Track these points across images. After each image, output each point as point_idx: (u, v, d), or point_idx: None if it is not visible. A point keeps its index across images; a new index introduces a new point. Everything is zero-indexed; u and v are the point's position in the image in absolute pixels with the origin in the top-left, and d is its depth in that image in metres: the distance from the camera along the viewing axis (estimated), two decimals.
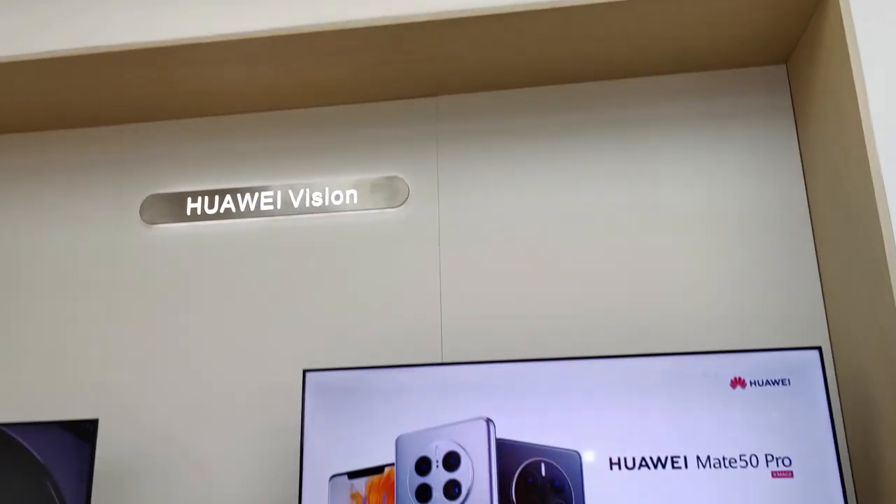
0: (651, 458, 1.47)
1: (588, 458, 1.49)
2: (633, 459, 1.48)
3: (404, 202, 1.94)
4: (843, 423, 1.61)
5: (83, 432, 1.67)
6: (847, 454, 1.59)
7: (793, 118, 1.84)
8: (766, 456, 1.44)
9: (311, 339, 1.87)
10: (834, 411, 1.44)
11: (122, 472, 1.84)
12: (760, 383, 1.48)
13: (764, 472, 1.43)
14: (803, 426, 1.44)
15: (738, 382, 1.49)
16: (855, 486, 1.57)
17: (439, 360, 1.80)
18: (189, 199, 2.01)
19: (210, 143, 2.05)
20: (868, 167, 1.44)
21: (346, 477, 1.57)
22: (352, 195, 1.96)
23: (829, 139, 1.64)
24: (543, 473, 1.51)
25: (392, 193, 1.95)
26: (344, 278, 1.91)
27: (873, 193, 1.42)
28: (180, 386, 1.89)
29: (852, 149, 1.52)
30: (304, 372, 1.64)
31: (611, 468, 1.48)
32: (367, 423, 1.59)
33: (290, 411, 1.80)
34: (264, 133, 2.04)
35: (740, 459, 1.44)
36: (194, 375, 1.89)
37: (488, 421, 1.54)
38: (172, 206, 2.02)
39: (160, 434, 1.86)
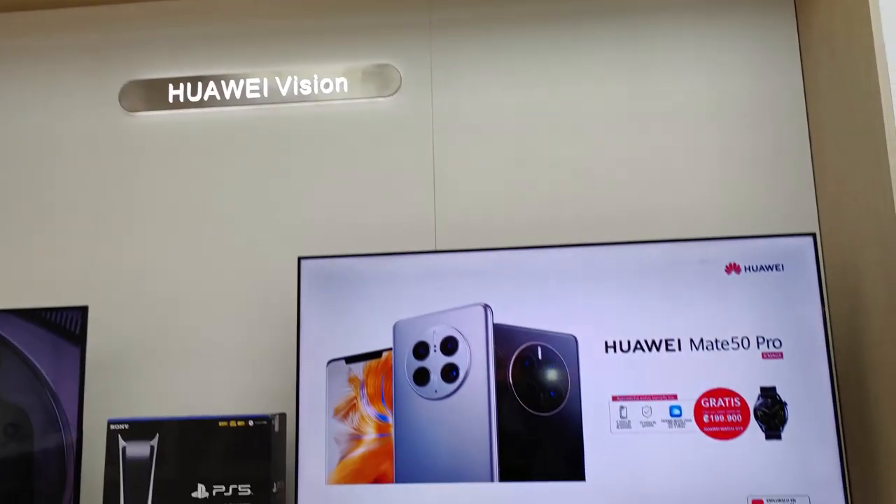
0: (646, 341, 1.51)
1: (584, 341, 1.52)
2: (629, 342, 1.51)
3: (396, 91, 1.89)
4: (829, 308, 1.65)
5: (73, 320, 1.65)
6: (831, 337, 1.65)
7: (793, 5, 1.81)
8: (757, 338, 1.48)
9: (303, 229, 1.86)
10: (823, 296, 1.47)
11: (115, 362, 1.84)
12: (755, 269, 1.50)
13: (755, 353, 1.47)
14: (794, 310, 1.48)
15: (732, 268, 1.51)
16: (837, 369, 1.62)
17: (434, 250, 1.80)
18: (171, 86, 1.94)
19: (192, 27, 1.96)
20: (873, 55, 1.43)
21: (343, 362, 1.59)
22: (342, 83, 1.90)
23: (830, 27, 1.62)
24: (540, 357, 1.53)
25: (384, 82, 1.90)
26: (335, 169, 1.87)
27: (877, 80, 1.42)
28: (172, 277, 1.87)
29: (856, 36, 1.50)
30: (299, 259, 1.63)
31: (606, 351, 1.52)
32: (363, 310, 1.60)
33: (285, 300, 1.79)
34: (250, 16, 1.95)
35: (732, 342, 1.48)
36: (185, 266, 1.87)
37: (486, 307, 1.56)
38: (153, 93, 1.95)
39: (152, 325, 1.85)
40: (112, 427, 1.57)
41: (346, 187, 1.87)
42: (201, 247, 1.88)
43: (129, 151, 1.93)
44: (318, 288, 1.62)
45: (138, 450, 1.56)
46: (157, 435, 1.57)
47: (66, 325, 1.64)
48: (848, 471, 1.55)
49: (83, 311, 1.65)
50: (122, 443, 1.57)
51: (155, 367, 1.83)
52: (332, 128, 1.89)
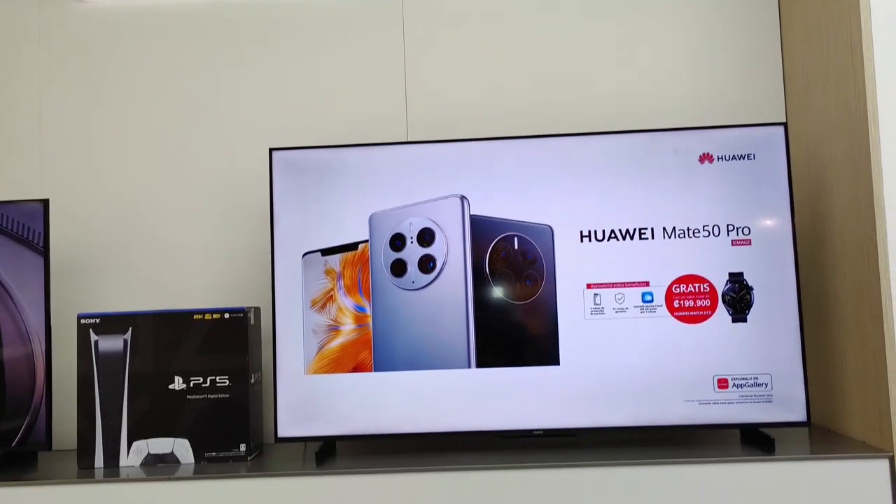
0: (620, 231, 1.53)
1: (560, 231, 1.54)
2: (603, 232, 1.54)
3: None
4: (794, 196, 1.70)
5: (33, 213, 1.58)
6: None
7: None
8: (727, 226, 1.52)
9: (273, 122, 1.81)
10: (791, 185, 1.51)
11: (81, 262, 1.79)
12: (727, 158, 1.53)
13: (724, 240, 1.52)
14: (763, 199, 1.52)
15: (706, 158, 1.53)
16: (799, 256, 1.69)
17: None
18: None
19: None
20: None
21: (319, 254, 1.58)
22: None
23: None
24: (516, 247, 1.55)
25: None
26: (304, 58, 1.81)
27: None
28: (138, 172, 1.81)
29: None
30: (271, 150, 1.59)
31: (581, 241, 1.54)
32: (338, 202, 1.58)
33: (257, 194, 1.75)
34: None
35: (703, 230, 1.52)
36: (151, 161, 1.81)
37: (462, 198, 1.55)
38: None
39: (119, 222, 1.80)
40: (83, 321, 1.54)
41: (316, 78, 1.81)
42: (168, 140, 1.82)
43: (85, 41, 1.82)
44: (291, 180, 1.58)
45: (111, 344, 1.54)
46: (130, 329, 1.54)
47: (27, 236, 1.58)
48: (807, 351, 1.63)
49: (44, 203, 1.59)
50: (93, 337, 1.54)
51: (124, 265, 1.79)
52: (301, 16, 1.81)
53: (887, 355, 1.37)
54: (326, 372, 1.54)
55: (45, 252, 1.58)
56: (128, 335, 1.54)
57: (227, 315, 1.55)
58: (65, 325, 1.68)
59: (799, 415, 1.47)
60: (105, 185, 1.81)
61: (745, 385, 1.49)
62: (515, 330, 1.54)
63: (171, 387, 1.54)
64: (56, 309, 1.63)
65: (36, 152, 1.82)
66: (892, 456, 1.36)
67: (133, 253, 1.79)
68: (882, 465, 1.36)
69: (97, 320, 1.54)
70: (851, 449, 1.42)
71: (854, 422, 1.51)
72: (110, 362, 1.54)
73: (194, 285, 1.78)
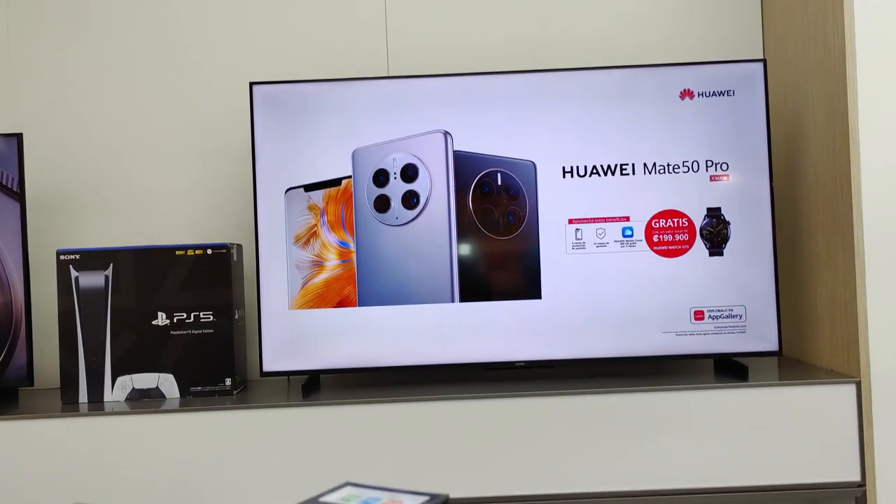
0: (601, 166, 1.56)
1: (542, 167, 1.55)
2: (585, 168, 1.56)
3: None
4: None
5: (5, 151, 1.55)
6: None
7: None
8: (706, 162, 1.55)
9: (253, 56, 1.78)
10: (769, 121, 1.54)
11: (58, 200, 1.76)
12: (707, 94, 1.55)
13: (703, 176, 1.55)
14: (742, 135, 1.55)
15: (686, 94, 1.55)
16: (775, 191, 1.73)
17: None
18: None
19: None
20: None
21: (302, 190, 1.57)
22: None
23: None
24: (499, 182, 1.56)
25: None
26: None
27: None
28: (115, 108, 1.77)
29: None
30: (251, 85, 1.57)
31: (563, 176, 1.56)
32: (320, 138, 1.57)
33: (238, 129, 1.73)
34: None
35: (683, 165, 1.55)
36: (128, 97, 1.78)
37: (445, 133, 1.55)
38: None
39: (96, 158, 1.77)
40: (62, 257, 1.53)
41: (296, 12, 1.78)
42: (147, 75, 1.78)
43: None
44: (272, 116, 1.57)
45: (92, 280, 1.53)
46: (112, 265, 1.53)
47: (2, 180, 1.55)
48: (780, 283, 1.69)
49: (18, 138, 1.56)
50: (73, 273, 1.53)
51: (102, 203, 1.77)
52: None
53: (857, 285, 1.42)
54: (311, 307, 1.56)
55: (20, 185, 1.55)
56: (109, 271, 1.53)
57: (209, 251, 1.55)
58: (43, 263, 1.66)
59: (771, 345, 1.53)
60: (81, 121, 1.77)
61: (720, 317, 1.54)
62: (498, 265, 1.56)
63: (154, 323, 1.54)
64: (34, 246, 1.61)
65: (7, 85, 1.77)
66: (859, 381, 1.42)
67: (112, 190, 1.77)
68: (849, 390, 1.42)
69: (77, 256, 1.53)
70: (820, 376, 1.49)
71: (823, 352, 1.57)
72: (92, 299, 1.53)
73: (175, 224, 1.77)
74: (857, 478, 1.41)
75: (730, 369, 1.56)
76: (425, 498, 0.44)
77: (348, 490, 0.47)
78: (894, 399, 1.41)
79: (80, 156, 1.77)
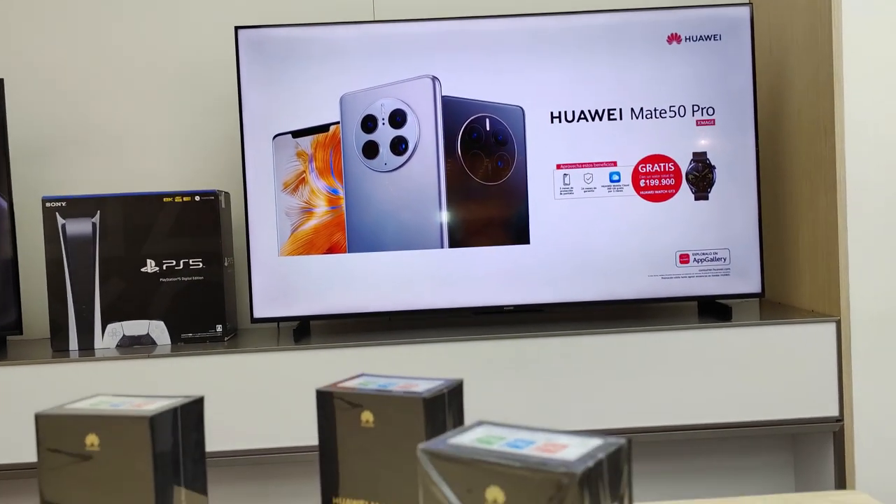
0: (589, 111, 1.56)
1: (530, 112, 1.56)
2: (573, 113, 1.56)
3: None
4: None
5: None
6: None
7: None
8: (692, 106, 1.56)
9: (237, 1, 1.75)
10: (754, 66, 1.55)
11: (41, 148, 1.73)
12: (694, 39, 1.55)
13: (690, 121, 1.56)
14: (728, 79, 1.55)
15: (674, 38, 1.55)
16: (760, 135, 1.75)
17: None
18: None
19: None
20: None
21: (290, 136, 1.56)
22: None
23: None
24: (488, 128, 1.56)
25: None
26: None
27: None
28: (97, 53, 1.74)
29: None
30: (236, 28, 1.55)
31: (552, 121, 1.56)
32: (307, 83, 1.55)
33: (224, 75, 1.71)
34: None
35: (670, 110, 1.56)
36: (110, 43, 1.74)
37: (434, 78, 1.55)
38: None
39: (79, 105, 1.74)
40: (48, 204, 1.51)
41: None
42: (130, 21, 1.74)
43: None
44: (259, 60, 1.55)
45: (79, 227, 1.52)
46: (99, 212, 1.52)
47: None
48: (763, 226, 1.72)
49: None
50: (60, 220, 1.51)
51: (88, 150, 1.74)
52: None
53: (839, 227, 1.45)
54: (300, 254, 1.56)
55: (2, 132, 1.53)
56: (96, 218, 1.52)
57: (197, 198, 1.54)
58: (29, 211, 1.64)
59: (754, 287, 1.56)
60: (63, 67, 1.74)
61: (704, 260, 1.56)
62: (487, 210, 1.57)
63: (143, 270, 1.53)
64: (19, 194, 1.59)
65: None
66: (839, 320, 1.45)
67: (97, 138, 1.75)
68: (829, 328, 1.46)
69: (63, 204, 1.52)
70: (801, 317, 1.52)
71: (804, 294, 1.60)
72: (79, 246, 1.52)
73: (162, 172, 1.75)
74: (835, 413, 1.46)
75: (713, 312, 1.59)
76: (440, 382, 0.45)
77: (364, 379, 0.49)
78: (872, 337, 1.45)
79: (63, 103, 1.74)
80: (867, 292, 1.45)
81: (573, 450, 0.33)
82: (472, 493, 0.33)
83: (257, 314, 1.55)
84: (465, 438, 0.35)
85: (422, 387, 0.46)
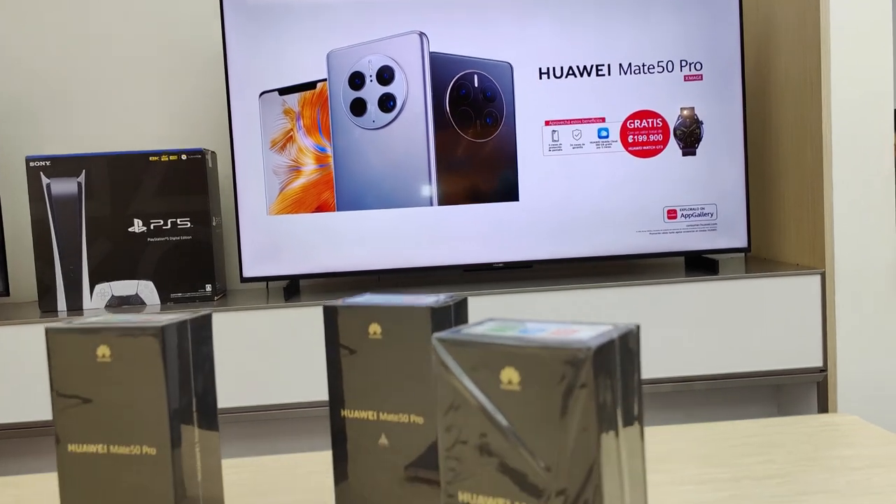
0: (577, 67, 1.56)
1: (519, 68, 1.55)
2: (561, 69, 1.56)
3: None
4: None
5: None
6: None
7: None
8: (680, 62, 1.56)
9: None
10: (741, 20, 1.56)
11: (24, 106, 1.71)
12: None
13: (678, 76, 1.56)
14: (716, 34, 1.56)
15: None
16: (747, 91, 1.76)
17: None
18: None
19: None
20: None
21: (276, 93, 1.55)
22: None
23: None
24: (476, 85, 1.56)
25: None
26: None
27: None
28: (82, 13, 1.71)
29: None
30: None
31: (540, 78, 1.56)
32: (293, 40, 1.54)
33: (208, 33, 1.69)
34: None
35: (657, 65, 1.56)
36: (98, 1, 1.72)
37: (421, 34, 1.54)
38: None
39: (62, 64, 1.71)
40: (31, 164, 1.49)
41: None
42: None
43: None
44: (244, 16, 1.53)
45: (64, 187, 1.50)
46: (84, 171, 1.51)
47: None
48: (750, 181, 1.73)
49: None
50: (45, 180, 1.50)
51: (70, 109, 1.72)
52: None
53: (824, 180, 1.47)
54: (289, 212, 1.55)
55: None
56: (81, 178, 1.51)
57: (184, 156, 1.53)
58: (13, 171, 1.62)
59: (740, 241, 1.58)
60: (45, 24, 1.71)
61: (692, 215, 1.58)
62: (476, 167, 1.57)
63: (130, 230, 1.52)
64: (2, 154, 1.57)
65: None
66: (823, 272, 1.48)
67: (81, 97, 1.72)
68: (814, 280, 1.48)
69: (47, 163, 1.50)
70: (787, 269, 1.54)
71: (790, 249, 1.62)
72: (65, 206, 1.50)
73: (147, 131, 1.73)
74: (819, 364, 1.48)
75: (700, 267, 1.61)
76: (445, 296, 0.46)
77: (368, 296, 0.49)
78: (856, 289, 1.47)
79: (46, 62, 1.72)
80: (851, 245, 1.47)
81: (586, 332, 0.34)
82: (486, 376, 0.33)
83: (246, 273, 1.55)
84: (477, 329, 0.36)
85: (428, 299, 0.46)
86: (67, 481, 0.49)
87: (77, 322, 0.52)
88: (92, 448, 0.48)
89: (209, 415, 0.50)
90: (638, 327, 0.35)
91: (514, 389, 0.32)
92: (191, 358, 0.49)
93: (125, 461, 0.47)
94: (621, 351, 0.33)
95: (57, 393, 0.49)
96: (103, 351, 0.48)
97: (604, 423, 0.31)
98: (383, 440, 0.47)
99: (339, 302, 0.48)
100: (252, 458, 0.72)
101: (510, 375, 0.32)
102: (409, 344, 0.46)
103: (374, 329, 0.47)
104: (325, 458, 0.71)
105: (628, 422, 0.33)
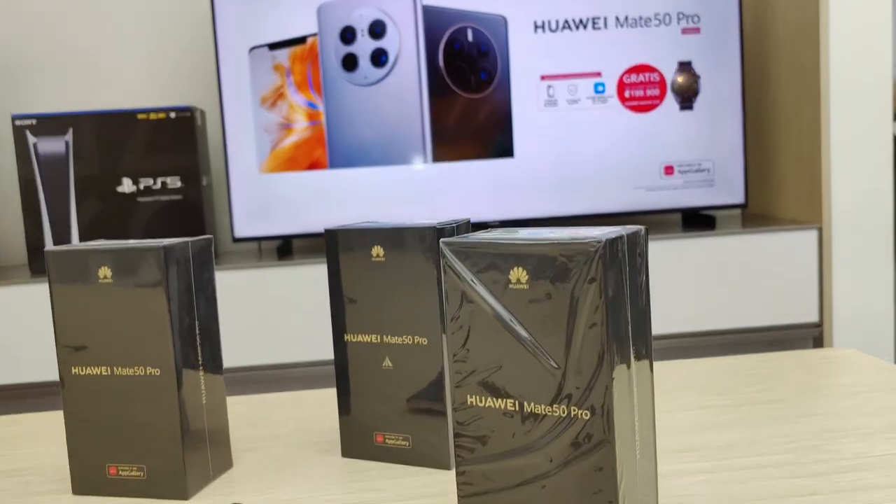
0: (573, 20, 1.53)
1: (513, 22, 1.52)
2: (556, 22, 1.53)
3: None
4: None
5: None
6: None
7: None
8: (677, 14, 1.54)
9: None
10: None
11: (9, 68, 1.67)
12: None
13: (675, 28, 1.54)
14: None
15: None
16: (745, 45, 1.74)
17: None
18: None
19: None
20: None
21: (266, 48, 1.52)
22: None
23: None
24: (470, 39, 1.53)
25: None
26: None
27: None
28: None
29: None
30: None
31: (535, 31, 1.53)
32: None
33: None
34: None
35: (654, 18, 1.54)
36: None
37: None
38: None
39: (46, 22, 1.67)
40: (17, 123, 1.46)
41: None
42: None
43: None
44: None
45: (51, 146, 1.47)
46: (71, 130, 1.47)
47: None
48: (747, 136, 1.72)
49: None
50: (31, 139, 1.47)
51: (56, 67, 1.68)
52: None
53: (822, 134, 1.45)
54: (281, 170, 1.53)
55: None
56: (68, 137, 1.47)
57: (172, 114, 1.50)
58: None
59: (738, 197, 1.56)
60: None
61: (689, 171, 1.56)
62: (471, 123, 1.54)
63: (119, 189, 1.49)
64: None
65: None
66: (821, 227, 1.47)
67: (67, 55, 1.68)
68: (811, 235, 1.47)
69: (34, 122, 1.46)
70: (784, 225, 1.53)
71: (787, 204, 1.61)
72: (53, 165, 1.47)
73: (134, 89, 1.70)
74: (815, 319, 1.48)
75: (697, 223, 1.60)
76: (448, 219, 0.44)
77: (371, 221, 0.48)
78: (853, 244, 1.47)
79: (31, 19, 1.67)
80: (848, 199, 1.46)
81: (595, 232, 0.32)
82: (495, 277, 0.32)
83: (238, 234, 1.53)
84: (485, 235, 0.34)
85: (431, 221, 0.45)
86: (71, 405, 0.47)
87: (78, 245, 0.50)
88: (95, 370, 0.47)
89: (212, 342, 0.49)
90: (646, 229, 0.33)
91: (522, 288, 0.31)
92: (192, 280, 0.47)
93: (129, 383, 0.46)
94: (629, 246, 0.32)
95: (59, 316, 0.48)
96: (104, 272, 0.46)
97: (612, 320, 0.30)
98: (387, 363, 0.45)
99: (341, 226, 0.46)
100: (256, 395, 0.71)
101: (518, 275, 0.31)
102: (412, 266, 0.44)
103: (377, 251, 0.45)
104: (329, 394, 0.70)
105: (638, 318, 0.32)
